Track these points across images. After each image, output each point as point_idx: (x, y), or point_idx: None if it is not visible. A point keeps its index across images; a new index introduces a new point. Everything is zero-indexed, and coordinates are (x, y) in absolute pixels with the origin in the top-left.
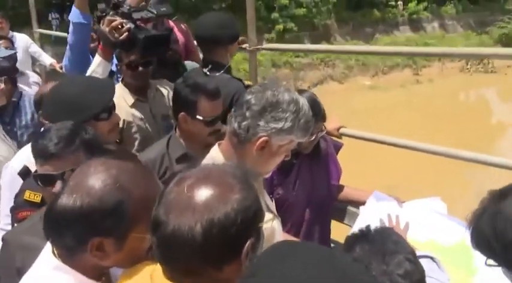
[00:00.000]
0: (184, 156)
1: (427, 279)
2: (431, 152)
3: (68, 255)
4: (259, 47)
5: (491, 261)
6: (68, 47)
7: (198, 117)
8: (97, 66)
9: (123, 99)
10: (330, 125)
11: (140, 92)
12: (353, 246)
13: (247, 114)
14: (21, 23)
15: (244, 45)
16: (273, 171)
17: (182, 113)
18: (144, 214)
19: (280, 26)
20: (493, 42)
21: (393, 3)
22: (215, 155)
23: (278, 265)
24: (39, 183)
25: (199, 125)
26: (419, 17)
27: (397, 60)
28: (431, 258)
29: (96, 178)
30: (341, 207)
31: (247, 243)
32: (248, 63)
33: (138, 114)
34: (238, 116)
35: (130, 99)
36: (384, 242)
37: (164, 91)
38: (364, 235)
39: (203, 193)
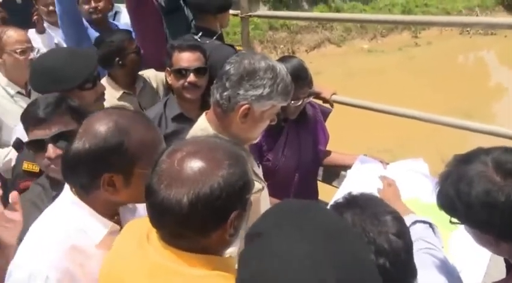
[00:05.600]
0: (180, 115)
1: (422, 243)
2: (420, 119)
3: (84, 192)
4: (250, 14)
5: (454, 220)
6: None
7: (172, 68)
8: None
9: (109, 92)
10: (325, 90)
11: (127, 85)
12: (343, 213)
13: (227, 84)
14: None
15: (236, 12)
16: (262, 138)
17: (167, 68)
18: (143, 152)
19: None
20: (494, 2)
21: None
22: (203, 125)
23: (284, 225)
24: (31, 150)
25: (172, 77)
26: None
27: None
28: (430, 224)
29: (100, 123)
30: (330, 170)
31: (233, 214)
32: (241, 30)
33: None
34: (219, 86)
35: (118, 93)
36: (374, 205)
37: (153, 83)
38: (352, 201)
39: (192, 168)
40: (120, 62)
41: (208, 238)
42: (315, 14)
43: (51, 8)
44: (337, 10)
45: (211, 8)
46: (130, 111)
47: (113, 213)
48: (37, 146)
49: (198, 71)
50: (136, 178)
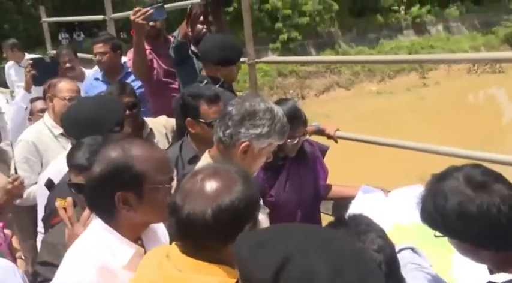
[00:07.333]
0: (196, 157)
1: (411, 265)
2: (425, 150)
3: (107, 217)
4: (257, 60)
5: (438, 233)
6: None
7: (201, 120)
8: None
9: None
10: (329, 127)
11: (132, 132)
12: None
13: (230, 123)
14: (34, 44)
15: (243, 59)
16: (264, 176)
17: (188, 118)
18: (149, 169)
19: (284, 36)
20: (500, 42)
21: (396, 7)
22: (206, 161)
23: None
24: (72, 190)
25: (203, 128)
26: (423, 21)
27: (403, 64)
28: (412, 249)
29: (109, 150)
30: (339, 204)
31: (247, 226)
32: (248, 75)
33: None
34: (222, 125)
35: None
36: (358, 225)
37: (161, 129)
38: (340, 222)
39: (212, 185)
40: None
41: (226, 250)
42: (320, 57)
43: (67, 65)
44: (344, 55)
45: (211, 58)
46: (135, 138)
47: (136, 237)
48: (78, 189)
49: None
50: (148, 194)
